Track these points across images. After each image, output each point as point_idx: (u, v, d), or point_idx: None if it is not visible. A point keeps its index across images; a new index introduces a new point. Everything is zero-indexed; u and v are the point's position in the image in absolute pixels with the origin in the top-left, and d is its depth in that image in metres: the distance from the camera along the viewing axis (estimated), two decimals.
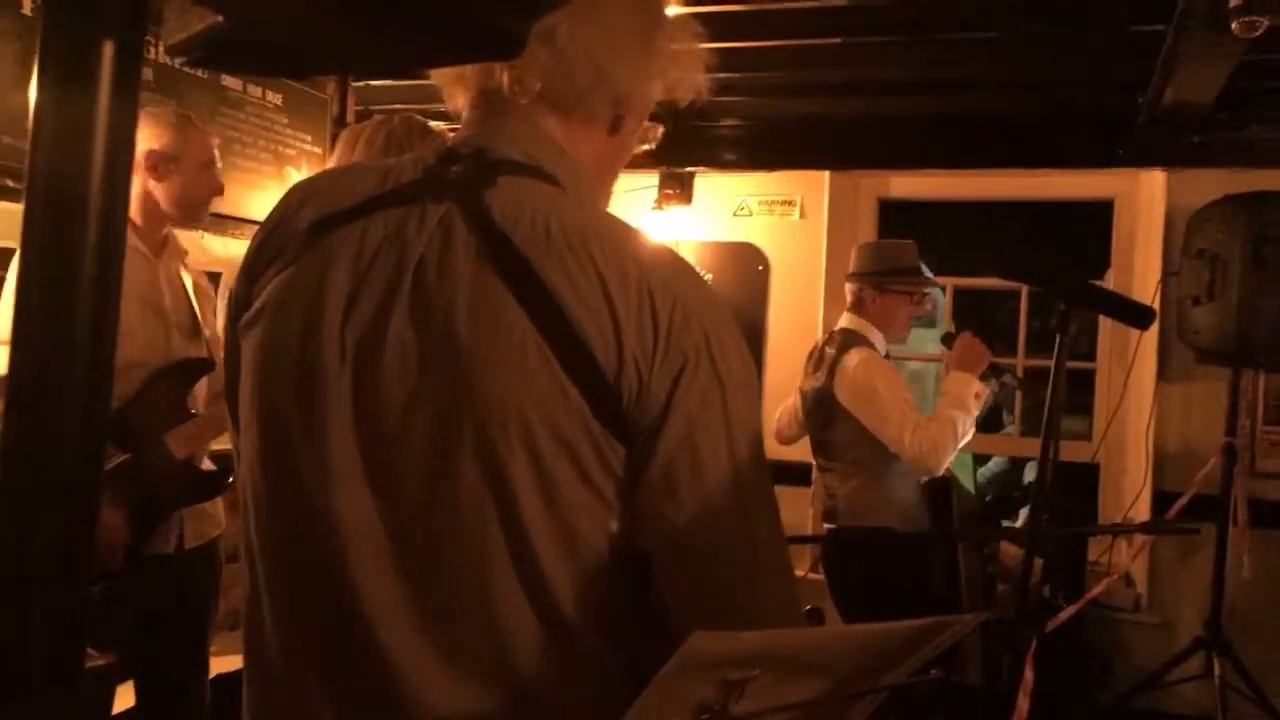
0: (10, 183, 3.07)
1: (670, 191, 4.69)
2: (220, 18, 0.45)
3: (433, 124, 2.19)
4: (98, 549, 0.44)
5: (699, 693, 0.61)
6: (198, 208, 2.49)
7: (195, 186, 2.45)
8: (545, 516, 0.86)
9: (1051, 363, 1.81)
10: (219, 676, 2.74)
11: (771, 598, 0.90)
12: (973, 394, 3.05)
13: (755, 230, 4.76)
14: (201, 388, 2.55)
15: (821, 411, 3.22)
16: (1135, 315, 1.85)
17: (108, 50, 0.41)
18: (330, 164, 2.35)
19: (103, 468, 0.45)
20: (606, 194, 1.11)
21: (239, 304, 1.00)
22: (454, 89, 1.02)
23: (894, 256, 3.33)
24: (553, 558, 0.87)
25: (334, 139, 4.18)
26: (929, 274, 3.55)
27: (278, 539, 0.95)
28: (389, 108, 4.40)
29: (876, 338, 3.22)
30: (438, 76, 1.03)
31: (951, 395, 3.05)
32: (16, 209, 2.77)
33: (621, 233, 0.94)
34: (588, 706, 0.90)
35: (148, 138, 2.38)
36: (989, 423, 6.21)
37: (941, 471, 3.06)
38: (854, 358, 3.09)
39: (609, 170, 1.09)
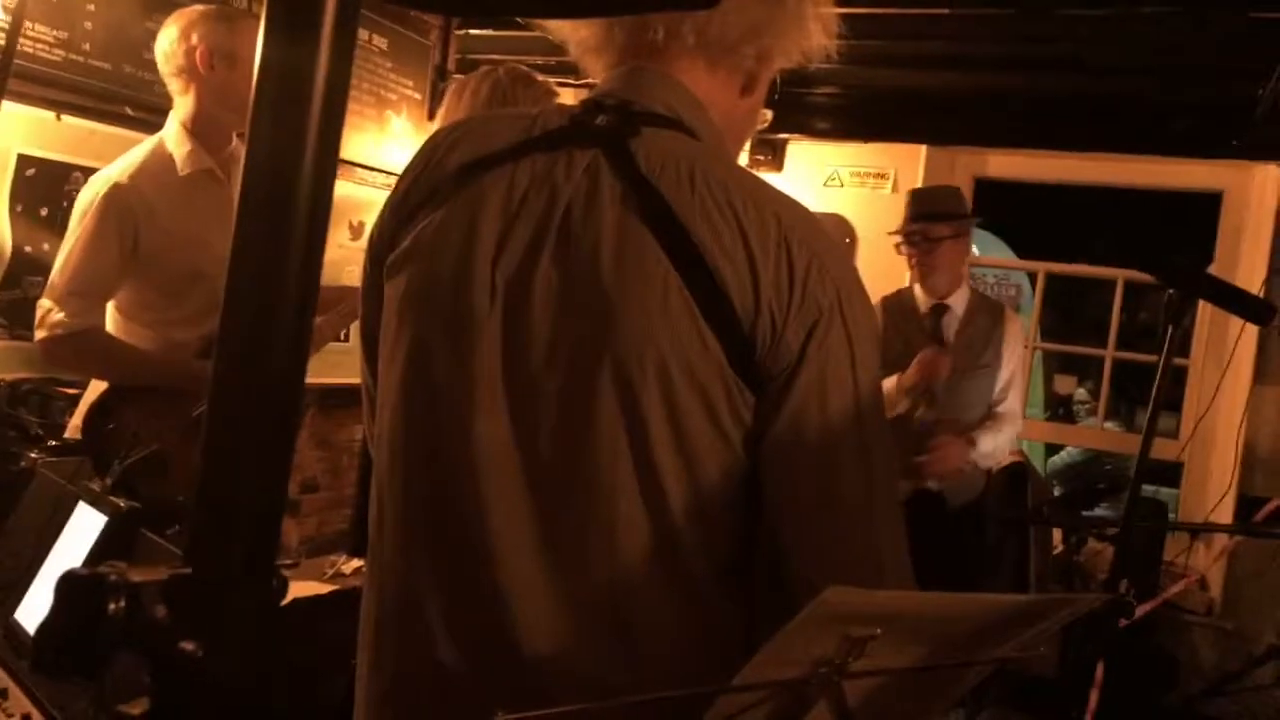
0: (129, 110, 3.17)
1: (761, 157, 4.65)
2: None
3: (537, 76, 2.21)
4: (288, 470, 0.47)
5: (821, 646, 0.62)
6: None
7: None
8: (674, 455, 0.89)
9: (1157, 358, 1.76)
10: (296, 600, 2.85)
11: (888, 549, 0.93)
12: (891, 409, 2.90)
13: (845, 201, 4.70)
14: None
15: None
16: (1254, 310, 1.79)
17: None
18: (440, 114, 2.35)
19: (302, 395, 0.47)
20: (734, 160, 1.12)
21: (383, 245, 1.04)
22: (597, 42, 1.05)
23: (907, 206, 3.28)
24: (678, 497, 0.90)
25: (433, 85, 4.23)
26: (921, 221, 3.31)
27: (414, 468, 0.99)
28: (488, 57, 4.43)
29: (920, 298, 3.23)
30: (581, 28, 1.05)
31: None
32: (135, 136, 2.84)
33: (762, 187, 0.96)
34: (696, 646, 0.93)
35: (200, 34, 2.28)
36: (1067, 414, 6.10)
37: None
38: None
39: (737, 135, 1.12)
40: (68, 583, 0.43)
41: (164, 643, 0.42)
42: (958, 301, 3.22)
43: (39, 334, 2.20)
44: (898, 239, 3.26)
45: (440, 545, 0.97)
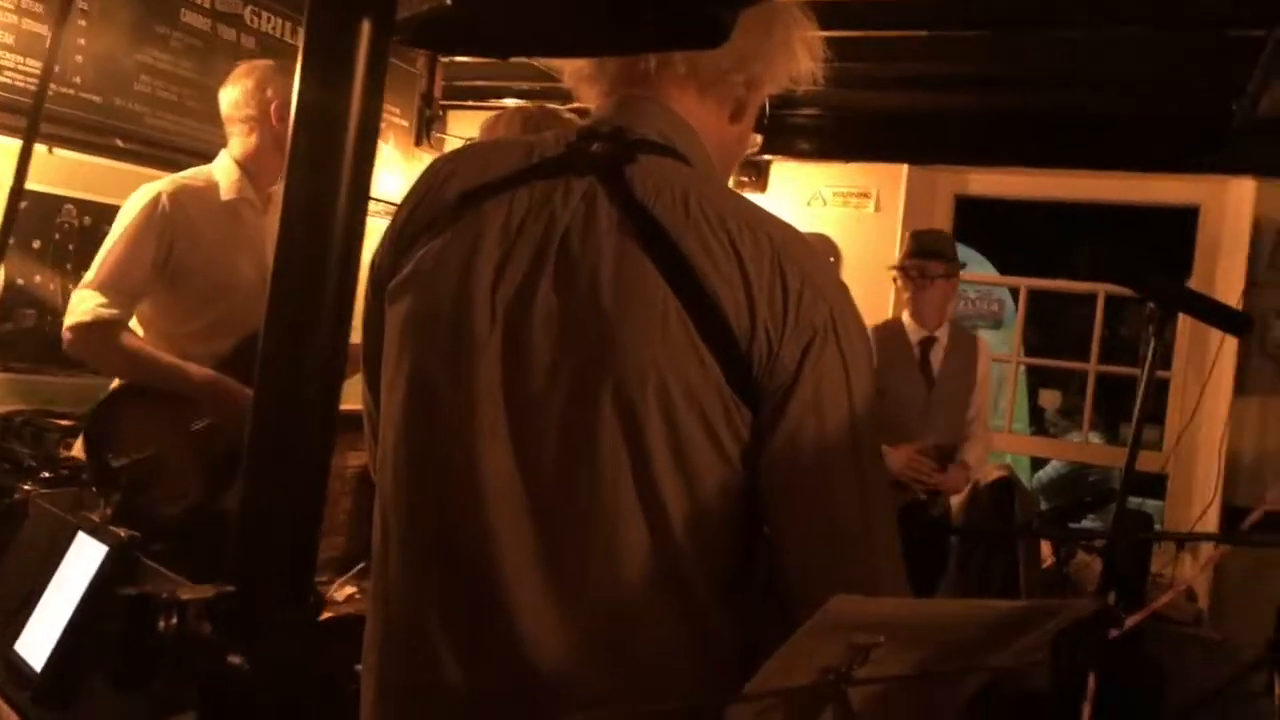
0: (120, 142, 3.19)
1: (746, 178, 4.70)
2: (448, 1, 0.50)
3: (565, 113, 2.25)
4: (323, 501, 0.49)
5: (827, 655, 0.64)
6: None
7: None
8: (674, 474, 0.92)
9: (1136, 369, 1.79)
10: None
11: (883, 563, 0.95)
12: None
13: (828, 221, 4.75)
14: None
15: None
16: (1232, 322, 1.83)
17: (365, 27, 0.45)
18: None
19: (336, 420, 0.49)
20: (726, 184, 1.15)
21: (383, 272, 1.06)
22: (590, 71, 1.07)
23: (907, 243, 3.61)
24: (679, 514, 0.92)
25: (420, 113, 4.27)
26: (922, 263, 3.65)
27: (417, 491, 1.01)
28: (474, 84, 4.47)
29: (911, 330, 3.54)
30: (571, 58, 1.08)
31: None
32: (127, 168, 2.88)
33: (755, 211, 0.99)
34: (696, 662, 0.95)
35: (274, 88, 2.47)
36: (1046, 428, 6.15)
37: None
38: None
39: (727, 161, 1.14)
40: (118, 602, 0.45)
41: (211, 658, 0.44)
42: (942, 333, 3.58)
43: (70, 320, 2.29)
44: (894, 271, 3.60)
45: (444, 567, 0.98)
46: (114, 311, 2.30)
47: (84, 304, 2.29)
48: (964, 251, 5.72)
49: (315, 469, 0.47)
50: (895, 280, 3.61)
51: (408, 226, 1.05)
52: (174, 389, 2.35)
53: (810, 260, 0.96)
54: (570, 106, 2.18)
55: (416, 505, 1.01)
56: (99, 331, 2.29)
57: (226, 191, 2.47)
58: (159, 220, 2.34)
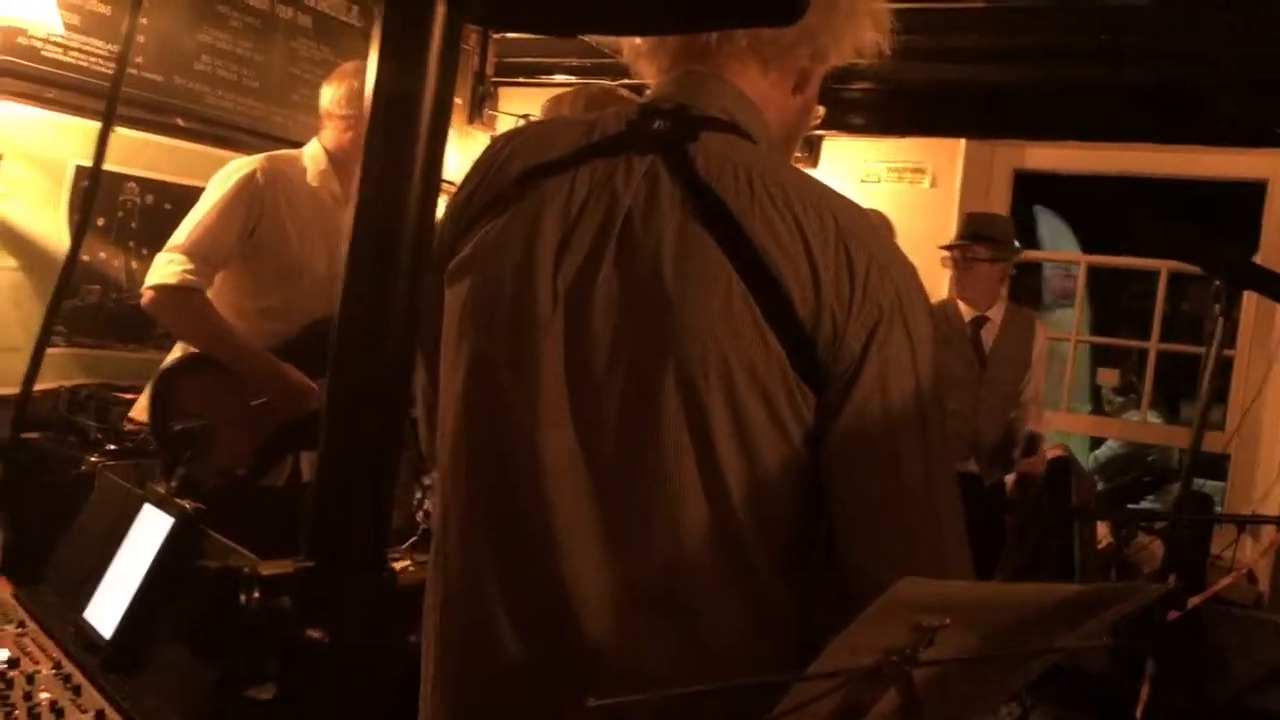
0: (181, 121, 3.24)
1: (798, 154, 4.64)
2: None
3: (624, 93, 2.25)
4: (397, 476, 0.50)
5: (892, 635, 0.64)
6: None
7: None
8: (736, 454, 0.91)
9: (1197, 347, 1.75)
10: None
11: (949, 542, 0.94)
12: None
13: (883, 198, 4.68)
14: None
15: None
16: None
17: (439, 9, 0.45)
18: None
19: (408, 397, 0.50)
20: (788, 160, 1.14)
21: (443, 252, 1.06)
22: (649, 46, 1.06)
23: (962, 225, 3.63)
24: (740, 493, 0.92)
25: (473, 90, 4.28)
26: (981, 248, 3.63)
27: (477, 470, 1.02)
28: (525, 60, 4.47)
29: (964, 310, 3.53)
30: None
31: None
32: (187, 147, 2.94)
33: (820, 189, 0.97)
34: (755, 638, 0.95)
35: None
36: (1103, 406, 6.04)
37: None
38: None
39: (790, 134, 1.12)
40: (202, 575, 0.46)
41: (290, 631, 0.45)
42: (995, 313, 3.58)
43: (152, 280, 2.36)
44: (943, 252, 3.63)
45: (505, 544, 0.99)
46: (198, 279, 2.36)
47: (171, 266, 2.35)
48: (1052, 223, 5.64)
49: (389, 443, 0.48)
50: (944, 262, 3.62)
51: (468, 207, 1.05)
52: (238, 368, 2.41)
53: (876, 239, 0.95)
54: (623, 82, 2.18)
55: (476, 484, 1.02)
56: (183, 297, 2.36)
57: (313, 178, 2.54)
58: (252, 193, 2.41)
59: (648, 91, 1.07)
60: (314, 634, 0.45)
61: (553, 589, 0.95)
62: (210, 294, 2.47)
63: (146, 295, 2.37)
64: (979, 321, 3.54)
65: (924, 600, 0.63)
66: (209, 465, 2.30)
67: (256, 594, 0.44)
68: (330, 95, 2.56)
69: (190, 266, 2.35)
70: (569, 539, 0.95)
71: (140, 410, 2.62)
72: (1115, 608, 0.73)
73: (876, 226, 0.98)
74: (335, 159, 2.56)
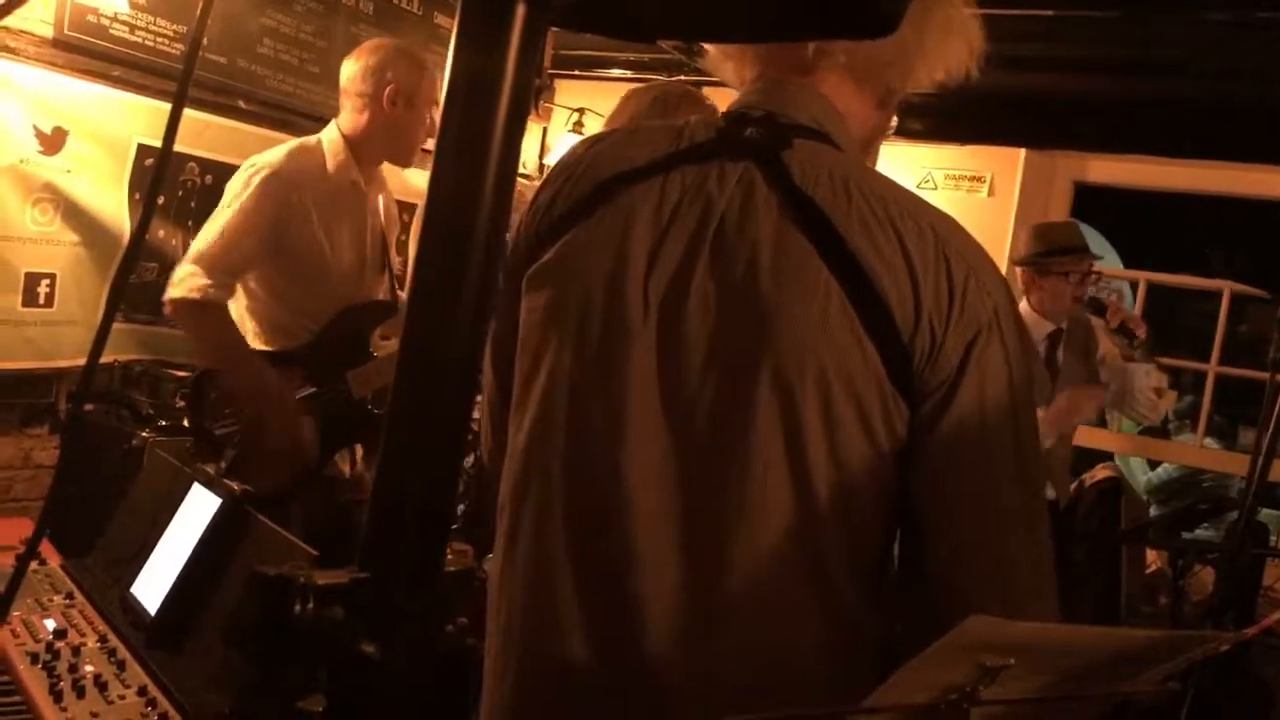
0: (243, 104, 3.28)
1: None
2: None
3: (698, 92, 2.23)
4: (455, 486, 0.49)
5: (953, 674, 0.62)
6: (414, 148, 2.55)
7: (419, 127, 2.51)
8: (828, 463, 0.90)
9: (1257, 371, 1.70)
10: None
11: (1044, 559, 0.92)
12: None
13: (939, 205, 4.59)
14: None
15: None
16: None
17: (521, 8, 0.44)
18: (604, 124, 2.41)
19: (469, 419, 0.49)
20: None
21: (520, 257, 1.05)
22: (738, 50, 1.05)
23: (1052, 237, 3.31)
24: (829, 504, 0.90)
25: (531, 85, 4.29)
26: (1096, 255, 3.45)
27: (555, 479, 0.99)
28: (581, 53, 4.47)
29: (1037, 325, 3.24)
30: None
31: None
32: (248, 129, 2.97)
33: (915, 199, 0.96)
34: (834, 653, 0.93)
35: (394, 72, 2.45)
36: (1161, 429, 5.91)
37: None
38: None
39: (870, 145, 1.12)
40: (256, 582, 0.45)
41: (344, 644, 0.44)
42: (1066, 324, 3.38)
43: (174, 292, 2.32)
44: (1070, 268, 3.33)
45: (582, 554, 0.97)
46: (217, 292, 2.32)
47: (192, 279, 2.31)
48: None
49: (451, 459, 0.47)
50: (1019, 276, 3.38)
51: (550, 211, 1.04)
52: (243, 386, 2.36)
53: (974, 252, 0.94)
54: (691, 80, 2.16)
55: (552, 494, 0.99)
56: (201, 311, 2.32)
57: (333, 168, 2.46)
58: (273, 200, 2.34)
59: (734, 100, 1.06)
60: (367, 648, 0.44)
61: (628, 600, 0.94)
62: (240, 297, 2.44)
63: (168, 306, 2.35)
64: (1056, 336, 3.33)
65: (991, 639, 0.61)
66: (258, 466, 2.30)
67: (310, 604, 0.43)
68: (347, 73, 2.49)
69: (210, 281, 2.30)
70: (648, 548, 0.93)
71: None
72: (1185, 655, 0.70)
73: (974, 240, 0.96)
74: (353, 143, 2.48)
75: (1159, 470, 5.31)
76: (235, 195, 2.36)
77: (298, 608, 0.44)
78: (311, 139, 2.51)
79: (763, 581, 0.91)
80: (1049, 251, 3.25)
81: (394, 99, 2.45)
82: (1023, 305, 3.32)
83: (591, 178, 1.02)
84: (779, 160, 0.95)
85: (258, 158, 2.42)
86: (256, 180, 2.34)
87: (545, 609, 0.99)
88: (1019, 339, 0.93)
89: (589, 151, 1.06)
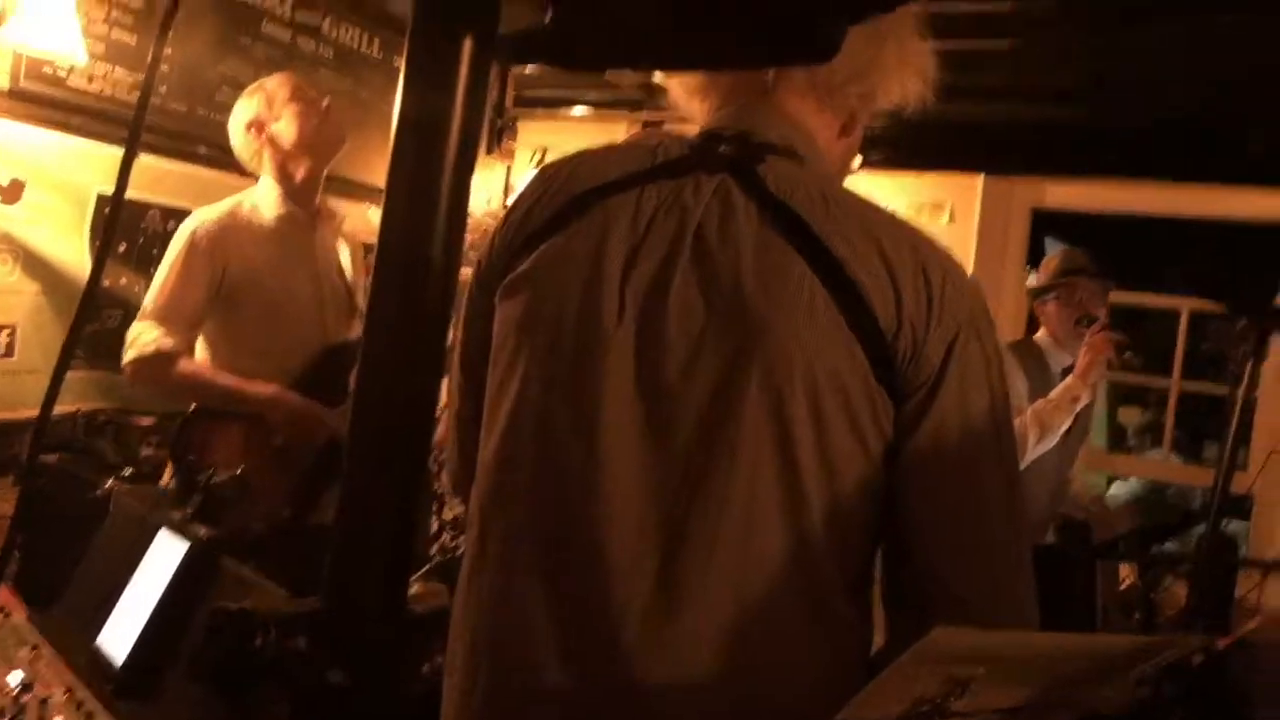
0: (203, 149, 3.27)
1: None
2: (548, 16, 0.49)
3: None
4: (425, 529, 0.49)
5: (923, 685, 0.62)
6: (311, 143, 2.52)
7: (294, 124, 2.50)
8: (817, 463, 0.91)
9: (1218, 386, 1.73)
10: None
11: (1018, 564, 0.94)
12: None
13: None
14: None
15: None
16: None
17: (467, 45, 0.45)
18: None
19: (429, 447, 0.49)
20: None
21: (493, 271, 1.06)
22: (700, 84, 1.08)
23: (1047, 267, 3.34)
24: (818, 505, 0.91)
25: (491, 123, 4.31)
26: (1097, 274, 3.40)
27: (527, 489, 0.99)
28: (543, 94, 4.51)
29: (1052, 354, 3.24)
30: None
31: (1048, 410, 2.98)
32: (209, 175, 2.96)
33: (886, 212, 0.99)
34: (822, 657, 0.94)
35: (252, 120, 2.50)
36: (1128, 445, 5.97)
37: None
38: None
39: (837, 174, 1.14)
40: (216, 616, 0.45)
41: (308, 674, 0.44)
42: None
43: (129, 354, 2.33)
44: (1058, 290, 3.32)
45: (554, 565, 0.97)
46: (173, 340, 2.33)
47: (144, 336, 2.33)
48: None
49: (412, 485, 0.47)
50: (1039, 305, 3.33)
51: (524, 226, 1.06)
52: (239, 409, 2.38)
53: (947, 259, 0.97)
54: (639, 118, 2.18)
55: (524, 507, 0.99)
56: (160, 363, 2.33)
57: (270, 210, 2.49)
58: (207, 249, 2.37)
59: (705, 123, 1.09)
60: (335, 677, 0.44)
61: (601, 610, 0.93)
62: (206, 348, 2.45)
63: (127, 370, 2.37)
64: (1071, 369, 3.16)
65: (959, 650, 0.61)
66: (248, 513, 2.27)
67: (271, 635, 0.43)
68: (234, 145, 2.54)
69: (161, 331, 2.32)
70: (621, 555, 0.93)
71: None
72: (1155, 660, 0.71)
73: (946, 251, 0.99)
74: (283, 185, 2.50)
75: (1120, 485, 5.36)
76: (172, 250, 2.40)
77: (259, 640, 0.43)
78: (242, 193, 2.55)
79: (751, 587, 0.91)
80: (1042, 285, 3.31)
81: (271, 138, 2.48)
82: (1041, 336, 3.31)
83: (567, 192, 1.03)
84: (753, 172, 0.98)
85: (196, 211, 2.46)
86: (185, 233, 2.39)
87: (516, 625, 0.98)
88: (994, 338, 0.96)
89: (564, 169, 1.08)
